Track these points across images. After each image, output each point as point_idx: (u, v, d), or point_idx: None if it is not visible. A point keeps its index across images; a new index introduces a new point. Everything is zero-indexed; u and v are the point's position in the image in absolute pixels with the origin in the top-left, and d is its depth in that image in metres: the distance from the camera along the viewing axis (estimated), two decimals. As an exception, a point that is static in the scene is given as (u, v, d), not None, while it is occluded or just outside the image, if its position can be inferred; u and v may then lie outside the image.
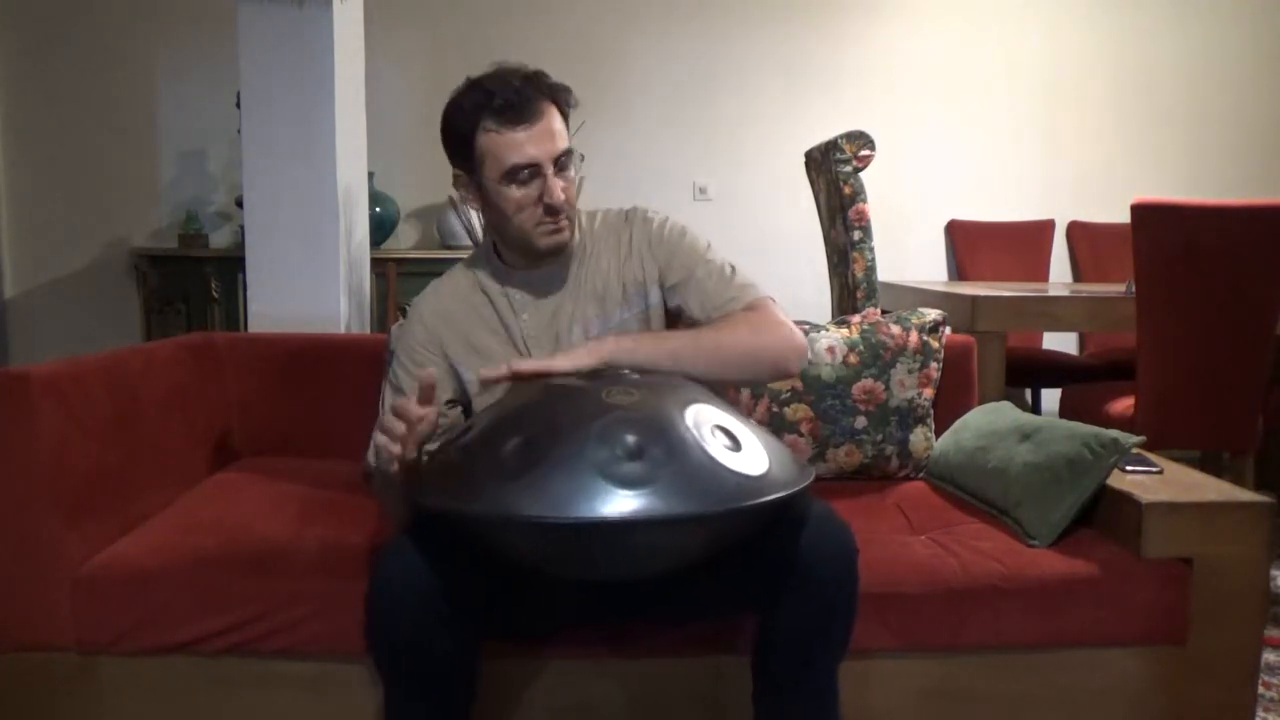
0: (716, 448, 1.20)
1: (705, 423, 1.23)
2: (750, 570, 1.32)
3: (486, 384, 1.37)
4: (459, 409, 1.55)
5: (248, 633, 1.52)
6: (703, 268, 1.52)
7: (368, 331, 2.92)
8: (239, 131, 2.67)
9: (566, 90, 1.47)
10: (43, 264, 3.87)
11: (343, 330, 2.69)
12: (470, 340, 1.54)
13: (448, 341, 1.54)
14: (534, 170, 1.40)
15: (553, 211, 1.43)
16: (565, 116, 1.46)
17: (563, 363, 1.34)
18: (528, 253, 1.50)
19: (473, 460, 1.22)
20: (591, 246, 1.57)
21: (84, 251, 3.87)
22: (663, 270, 1.54)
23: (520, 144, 1.39)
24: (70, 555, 1.54)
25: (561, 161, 1.42)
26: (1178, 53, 4.19)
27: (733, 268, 1.54)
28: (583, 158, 1.48)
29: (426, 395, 1.27)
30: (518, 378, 1.33)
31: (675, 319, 1.57)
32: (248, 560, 1.58)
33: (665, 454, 1.16)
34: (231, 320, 3.45)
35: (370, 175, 3.31)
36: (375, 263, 3.15)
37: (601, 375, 1.33)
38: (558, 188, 1.41)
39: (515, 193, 1.41)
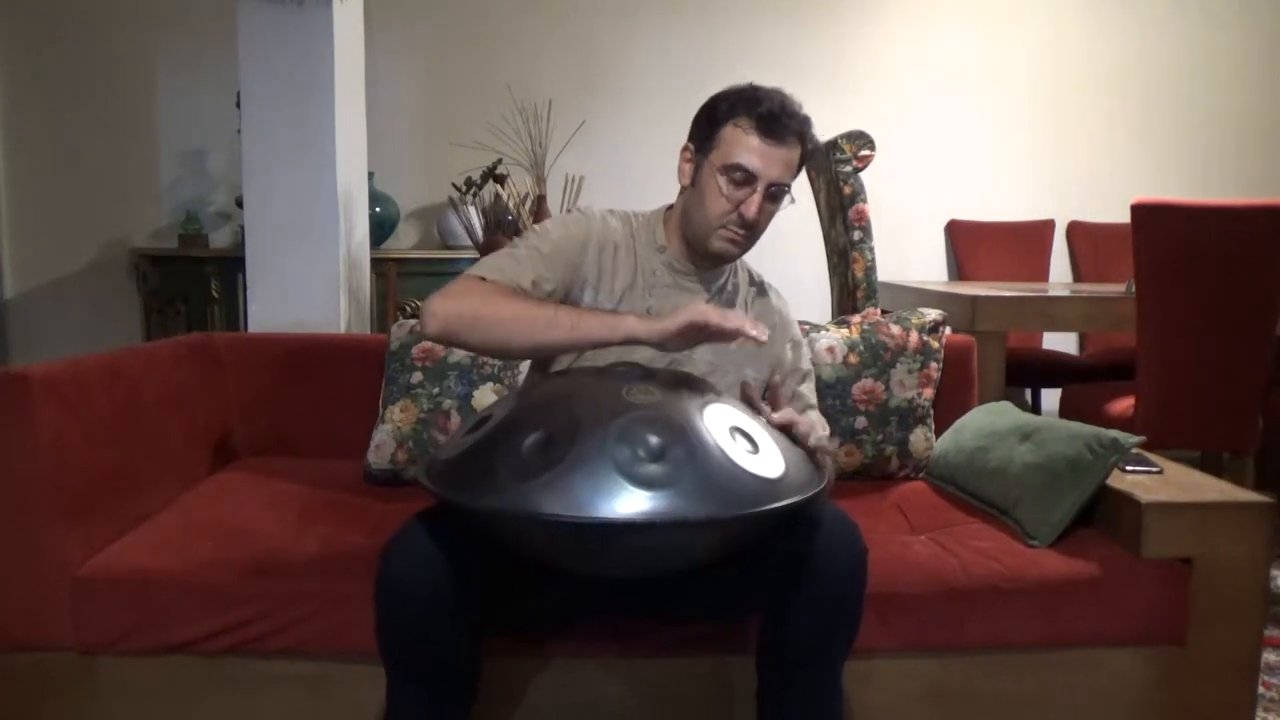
0: (736, 451, 1.20)
1: (724, 424, 1.23)
2: (762, 569, 1.33)
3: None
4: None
5: (248, 633, 1.52)
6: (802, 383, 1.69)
7: (368, 331, 2.92)
8: (239, 131, 2.67)
9: (817, 148, 1.59)
10: (43, 264, 3.86)
11: (343, 330, 2.69)
12: (603, 270, 1.54)
13: (590, 256, 1.53)
14: (749, 178, 1.47)
15: (741, 223, 1.49)
16: (802, 165, 1.54)
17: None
18: (695, 242, 1.55)
19: (491, 453, 1.20)
20: (736, 289, 1.64)
21: (84, 251, 3.87)
22: (773, 370, 1.63)
23: (754, 150, 1.47)
24: (70, 555, 1.53)
25: (774, 190, 1.49)
26: (1178, 53, 4.18)
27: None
28: (793, 200, 1.54)
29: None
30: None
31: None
32: (248, 560, 1.58)
33: (686, 455, 1.16)
34: (231, 320, 3.45)
35: (370, 175, 3.31)
36: (375, 263, 3.15)
37: (619, 370, 1.32)
38: (755, 206, 1.48)
39: (724, 186, 1.48)
